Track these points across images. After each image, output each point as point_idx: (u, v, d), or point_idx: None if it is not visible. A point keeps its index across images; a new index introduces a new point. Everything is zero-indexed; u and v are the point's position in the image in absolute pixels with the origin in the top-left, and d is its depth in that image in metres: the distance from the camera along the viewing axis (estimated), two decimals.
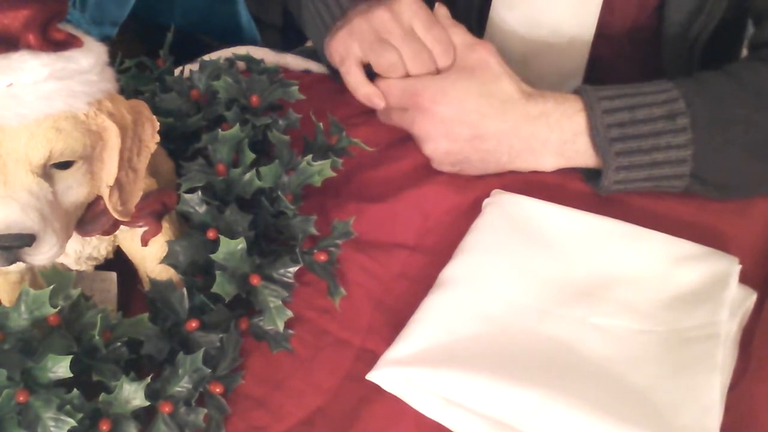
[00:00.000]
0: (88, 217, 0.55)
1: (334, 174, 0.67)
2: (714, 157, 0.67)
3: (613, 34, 0.87)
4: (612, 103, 0.68)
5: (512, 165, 0.72)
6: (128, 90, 0.76)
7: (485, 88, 0.70)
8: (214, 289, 0.59)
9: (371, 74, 0.75)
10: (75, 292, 0.55)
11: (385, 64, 0.73)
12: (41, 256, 0.50)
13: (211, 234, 0.61)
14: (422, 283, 0.64)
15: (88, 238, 0.58)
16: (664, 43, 0.84)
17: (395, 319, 0.62)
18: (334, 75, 0.80)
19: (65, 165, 0.51)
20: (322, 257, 0.64)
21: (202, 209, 0.62)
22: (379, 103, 0.74)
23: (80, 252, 0.59)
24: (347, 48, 0.75)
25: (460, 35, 0.74)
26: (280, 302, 0.60)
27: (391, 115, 0.75)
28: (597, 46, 0.85)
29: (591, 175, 0.72)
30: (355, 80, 0.75)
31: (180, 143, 0.71)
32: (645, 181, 0.69)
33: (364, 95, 0.75)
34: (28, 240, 0.48)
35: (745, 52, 0.89)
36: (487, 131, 0.70)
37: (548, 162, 0.72)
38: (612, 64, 0.88)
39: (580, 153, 0.70)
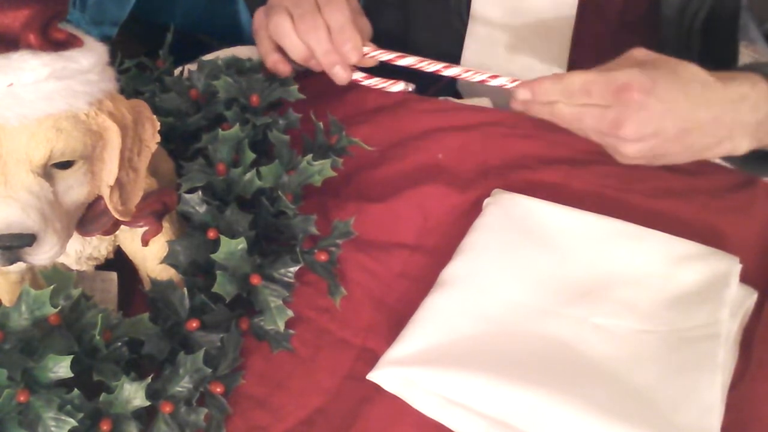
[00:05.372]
0: (89, 217, 0.55)
1: (334, 174, 0.67)
2: None
3: (608, 14, 0.86)
4: None
5: (708, 154, 0.68)
6: (128, 90, 0.76)
7: (682, 76, 0.64)
8: (215, 289, 0.59)
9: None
10: (75, 292, 0.55)
11: (273, 25, 0.73)
12: (42, 256, 0.50)
13: (211, 234, 0.61)
14: (423, 283, 0.64)
15: (88, 238, 0.58)
16: (663, 26, 0.82)
17: (395, 318, 0.62)
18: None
19: (66, 165, 0.51)
20: (323, 257, 0.64)
21: (202, 209, 0.62)
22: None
23: (81, 252, 0.59)
24: (260, 21, 0.78)
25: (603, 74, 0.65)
26: (281, 302, 0.60)
27: (584, 119, 0.66)
28: (592, 26, 0.84)
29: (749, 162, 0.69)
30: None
31: (180, 143, 0.71)
32: None
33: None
34: (28, 240, 0.48)
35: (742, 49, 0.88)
36: (696, 122, 0.65)
37: (743, 146, 0.67)
38: (606, 47, 0.88)
39: None
